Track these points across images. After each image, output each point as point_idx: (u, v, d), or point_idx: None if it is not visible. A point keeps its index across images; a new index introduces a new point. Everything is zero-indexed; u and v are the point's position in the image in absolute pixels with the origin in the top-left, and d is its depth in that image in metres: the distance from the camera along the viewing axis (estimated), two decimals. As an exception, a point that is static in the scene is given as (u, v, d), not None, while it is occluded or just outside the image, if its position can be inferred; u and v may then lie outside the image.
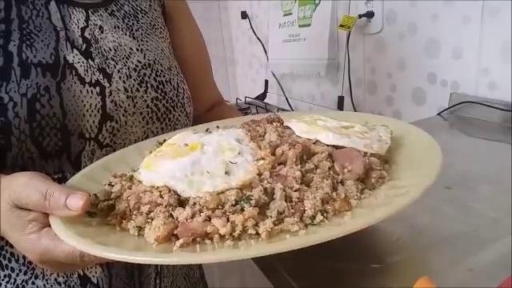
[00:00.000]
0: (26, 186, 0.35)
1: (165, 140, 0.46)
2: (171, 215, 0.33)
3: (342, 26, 1.14)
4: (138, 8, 0.59)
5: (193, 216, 0.33)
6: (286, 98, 1.61)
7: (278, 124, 0.47)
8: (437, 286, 0.31)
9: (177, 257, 0.31)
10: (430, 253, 0.41)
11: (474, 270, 0.37)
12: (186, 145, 0.41)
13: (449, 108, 0.92)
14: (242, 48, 1.97)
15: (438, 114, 0.94)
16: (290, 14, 1.45)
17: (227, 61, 2.05)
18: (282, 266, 0.41)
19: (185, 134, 0.45)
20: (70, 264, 0.35)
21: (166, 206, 0.34)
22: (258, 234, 0.31)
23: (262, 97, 1.71)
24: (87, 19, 0.52)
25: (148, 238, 0.32)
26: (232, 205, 0.33)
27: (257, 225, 0.31)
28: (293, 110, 1.55)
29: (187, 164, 0.37)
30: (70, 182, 0.41)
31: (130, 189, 0.38)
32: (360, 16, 1.11)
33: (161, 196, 0.35)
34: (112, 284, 0.51)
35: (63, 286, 0.49)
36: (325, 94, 1.41)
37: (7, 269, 0.47)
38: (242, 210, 0.32)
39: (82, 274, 0.49)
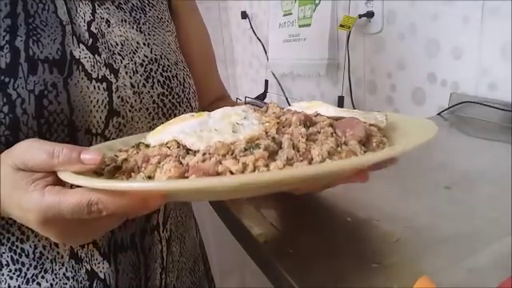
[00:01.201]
0: (30, 148, 0.35)
1: None
2: (181, 164, 0.33)
3: (342, 25, 1.14)
4: (146, 1, 0.58)
5: (204, 161, 0.33)
6: (286, 98, 1.61)
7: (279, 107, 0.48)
8: (437, 286, 0.31)
9: (194, 181, 0.30)
10: (430, 253, 0.41)
11: (474, 270, 0.37)
12: (193, 115, 0.42)
13: (449, 108, 0.92)
14: (242, 48, 1.97)
15: (438, 113, 0.94)
16: (290, 14, 1.45)
17: (227, 61, 2.06)
18: (282, 266, 0.41)
19: (189, 114, 0.46)
20: (75, 222, 0.34)
21: (175, 156, 0.34)
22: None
23: (262, 97, 1.71)
24: (94, 12, 0.51)
25: (159, 181, 0.32)
26: (241, 151, 0.33)
27: (267, 166, 0.32)
28: (293, 109, 1.55)
29: (195, 123, 0.38)
30: None
31: (137, 154, 0.38)
32: (360, 16, 1.11)
33: (170, 150, 0.35)
34: (119, 279, 0.51)
35: (71, 280, 0.49)
36: (325, 94, 1.41)
37: (18, 263, 0.48)
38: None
39: (89, 269, 0.50)
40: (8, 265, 0.48)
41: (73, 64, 0.47)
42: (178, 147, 0.35)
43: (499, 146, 0.71)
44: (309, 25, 1.36)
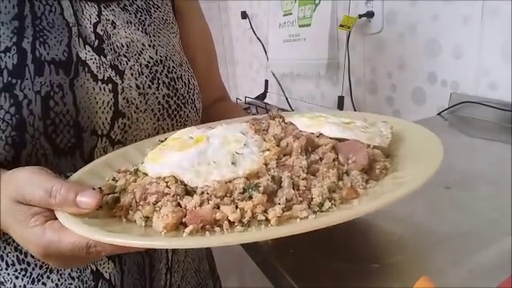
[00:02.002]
0: (30, 182, 0.35)
1: (166, 138, 0.46)
2: (179, 204, 0.33)
3: (342, 25, 1.14)
4: (151, 2, 0.59)
5: (201, 204, 0.32)
6: (286, 98, 1.61)
7: (281, 120, 0.47)
8: (437, 286, 0.31)
9: (187, 240, 0.31)
10: (430, 253, 0.41)
11: (474, 269, 0.37)
12: (191, 138, 0.41)
13: (449, 108, 0.92)
14: (242, 48, 1.97)
15: (438, 113, 0.94)
16: (290, 14, 1.45)
17: (227, 61, 2.06)
18: (281, 266, 0.41)
19: (189, 129, 0.46)
20: (74, 257, 0.35)
21: (173, 196, 0.34)
22: (267, 220, 0.31)
23: (262, 97, 1.71)
24: (99, 14, 0.52)
25: (156, 226, 0.32)
26: (240, 192, 0.33)
27: (266, 211, 0.31)
28: (293, 110, 1.55)
29: (193, 155, 0.37)
30: (72, 177, 0.41)
31: (135, 182, 0.38)
32: (360, 16, 1.11)
33: (167, 186, 0.35)
34: (124, 280, 0.52)
35: (77, 280, 0.49)
36: (325, 94, 1.41)
37: (23, 263, 0.48)
38: (251, 197, 0.32)
39: (94, 269, 0.50)
40: (14, 264, 0.48)
41: (79, 65, 0.47)
42: (176, 182, 0.35)
43: (499, 146, 0.71)
44: (309, 25, 1.36)
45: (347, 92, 1.23)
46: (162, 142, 0.45)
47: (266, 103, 1.63)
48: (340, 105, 1.25)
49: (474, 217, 0.47)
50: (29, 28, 0.45)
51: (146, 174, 0.38)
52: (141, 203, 0.34)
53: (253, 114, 1.49)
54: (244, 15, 1.81)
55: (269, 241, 0.46)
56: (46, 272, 0.48)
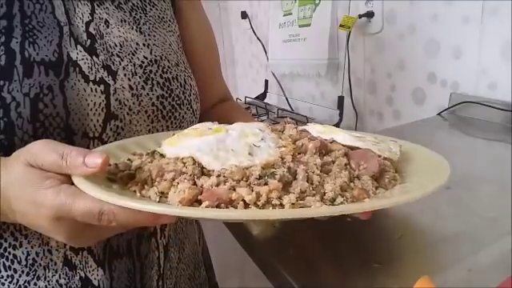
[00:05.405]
0: (43, 148, 0.35)
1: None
2: (195, 184, 0.33)
3: (342, 25, 1.15)
4: (147, 0, 0.57)
5: (218, 184, 0.33)
6: (286, 98, 1.61)
7: (295, 126, 0.48)
8: (437, 286, 0.31)
9: (202, 211, 0.31)
10: (430, 253, 0.41)
11: (474, 270, 0.37)
12: (210, 129, 0.41)
13: (449, 108, 0.92)
14: (242, 48, 1.98)
15: (438, 114, 0.94)
16: (290, 14, 1.45)
17: (227, 61, 2.06)
18: (281, 266, 0.41)
19: (207, 123, 0.46)
20: (84, 226, 0.34)
21: (190, 175, 0.34)
22: (281, 205, 0.31)
23: (262, 97, 1.71)
24: (92, 13, 0.50)
25: (171, 200, 0.32)
26: (256, 178, 0.33)
27: (280, 198, 0.32)
28: (293, 110, 1.55)
29: (213, 140, 0.37)
30: None
31: (151, 163, 0.37)
32: (360, 16, 1.12)
33: (185, 166, 0.35)
34: (113, 287, 0.50)
35: (64, 287, 0.48)
36: (325, 94, 1.41)
37: (10, 270, 0.47)
38: (266, 184, 0.33)
39: (83, 276, 0.49)
40: (0, 271, 0.47)
41: (69, 66, 0.46)
42: (194, 164, 0.35)
43: (499, 146, 0.71)
44: (309, 25, 1.36)
45: (347, 92, 1.23)
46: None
47: (266, 103, 1.63)
48: (340, 105, 1.25)
49: (473, 217, 0.47)
50: (18, 28, 0.44)
51: (163, 156, 0.38)
52: (157, 179, 0.34)
53: (253, 114, 1.50)
54: (244, 15, 1.81)
55: (268, 240, 0.46)
56: (33, 279, 0.47)
